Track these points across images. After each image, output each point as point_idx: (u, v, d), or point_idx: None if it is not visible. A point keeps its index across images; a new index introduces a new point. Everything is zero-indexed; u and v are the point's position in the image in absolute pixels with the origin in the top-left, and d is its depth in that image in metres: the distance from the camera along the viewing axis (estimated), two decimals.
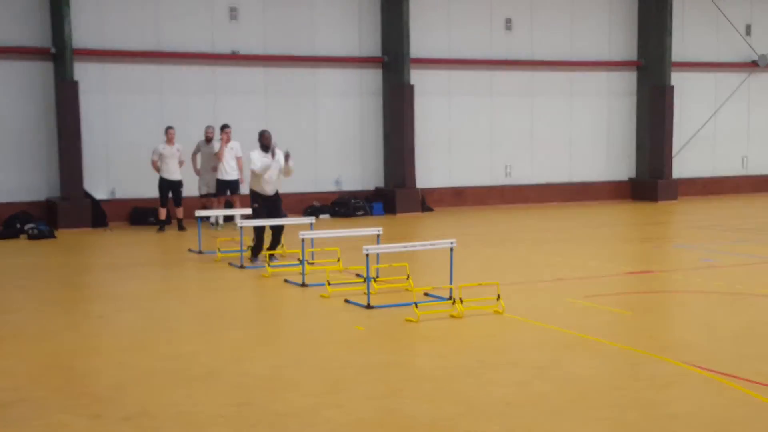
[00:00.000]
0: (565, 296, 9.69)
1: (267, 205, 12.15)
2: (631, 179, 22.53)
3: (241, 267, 12.00)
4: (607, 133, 22.26)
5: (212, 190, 17.03)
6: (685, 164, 22.91)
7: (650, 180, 22.01)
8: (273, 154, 12.00)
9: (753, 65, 23.30)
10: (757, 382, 6.27)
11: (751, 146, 23.87)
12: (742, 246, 13.67)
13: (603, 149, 22.30)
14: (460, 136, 20.70)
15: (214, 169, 16.88)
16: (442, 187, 20.58)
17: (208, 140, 16.94)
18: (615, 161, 22.44)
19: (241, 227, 12.39)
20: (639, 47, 22.17)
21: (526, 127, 21.39)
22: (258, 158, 11.92)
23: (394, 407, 5.96)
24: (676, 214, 19.39)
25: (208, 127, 17.03)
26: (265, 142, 12.09)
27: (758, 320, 8.56)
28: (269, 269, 11.40)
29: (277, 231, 12.34)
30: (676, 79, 22.12)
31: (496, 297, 8.84)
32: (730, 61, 23.21)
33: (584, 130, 22.01)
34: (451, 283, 9.33)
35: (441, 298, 9.38)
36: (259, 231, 12.10)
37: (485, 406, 5.91)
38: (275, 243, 12.37)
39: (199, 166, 17.01)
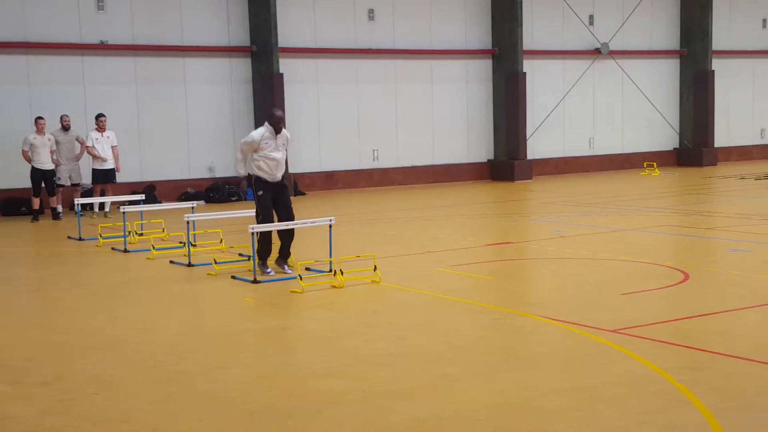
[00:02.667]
0: (434, 266, 10.60)
1: (269, 190, 10.31)
2: (489, 161, 23.86)
3: (125, 251, 12.36)
4: (466, 118, 23.51)
5: (77, 180, 17.13)
6: (538, 146, 24.46)
7: (507, 161, 23.41)
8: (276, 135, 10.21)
9: (596, 53, 25.07)
10: (597, 328, 7.31)
11: (596, 128, 25.67)
12: (589, 218, 15.02)
13: (463, 133, 23.53)
14: (329, 122, 21.45)
15: (78, 158, 17.06)
16: (313, 172, 21.30)
17: (65, 129, 17.01)
18: (475, 144, 23.72)
19: (124, 213, 12.74)
20: (493, 36, 23.48)
21: (391, 113, 22.34)
22: (258, 134, 10.19)
23: (291, 362, 6.68)
24: (531, 192, 20.79)
25: (64, 115, 17.08)
26: (275, 126, 10.20)
27: (601, 280, 9.70)
28: (154, 252, 11.83)
29: (287, 235, 10.31)
30: (528, 66, 23.58)
31: (373, 268, 9.64)
32: (575, 49, 24.90)
33: (445, 115, 23.16)
34: (330, 256, 10.07)
35: (322, 271, 10.11)
36: (263, 208, 10.28)
37: (372, 356, 6.70)
38: (285, 248, 10.35)
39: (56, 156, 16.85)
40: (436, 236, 13.19)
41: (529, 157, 23.79)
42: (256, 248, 9.93)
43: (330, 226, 10.28)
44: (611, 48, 25.19)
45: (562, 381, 5.98)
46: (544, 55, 24.34)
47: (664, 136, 26.87)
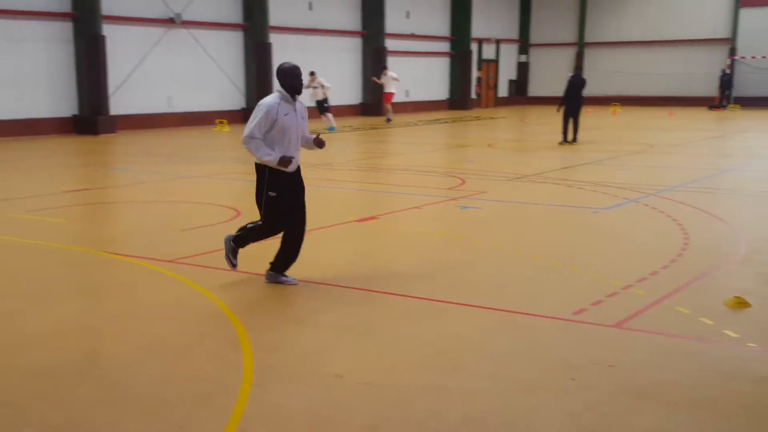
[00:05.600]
0: (11, 213, 9.90)
1: (289, 189, 6.47)
2: (75, 115, 22.56)
3: None
4: (48, 75, 21.90)
5: None
6: (122, 102, 23.64)
7: (91, 116, 22.32)
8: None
9: (171, 21, 24.77)
10: (156, 259, 7.45)
11: (174, 88, 25.47)
12: (164, 167, 15.02)
13: (47, 89, 21.92)
14: None
15: None
16: None
17: None
18: (59, 99, 22.23)
19: None
20: (72, 3, 22.05)
21: None
22: (270, 114, 6.27)
23: None
24: (115, 145, 20.13)
25: None
26: (294, 83, 6.34)
27: (166, 219, 9.76)
28: None
29: (297, 239, 6.60)
30: (110, 29, 22.58)
31: None
32: (154, 17, 24.35)
33: (27, 72, 21.37)
34: None
35: None
36: (272, 217, 6.52)
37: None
38: (290, 257, 6.61)
39: None
40: (18, 185, 12.27)
41: (114, 113, 22.93)
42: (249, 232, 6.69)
43: None
44: (185, 18, 25.05)
45: (120, 306, 6.05)
46: (124, 20, 23.45)
47: (232, 97, 27.53)
